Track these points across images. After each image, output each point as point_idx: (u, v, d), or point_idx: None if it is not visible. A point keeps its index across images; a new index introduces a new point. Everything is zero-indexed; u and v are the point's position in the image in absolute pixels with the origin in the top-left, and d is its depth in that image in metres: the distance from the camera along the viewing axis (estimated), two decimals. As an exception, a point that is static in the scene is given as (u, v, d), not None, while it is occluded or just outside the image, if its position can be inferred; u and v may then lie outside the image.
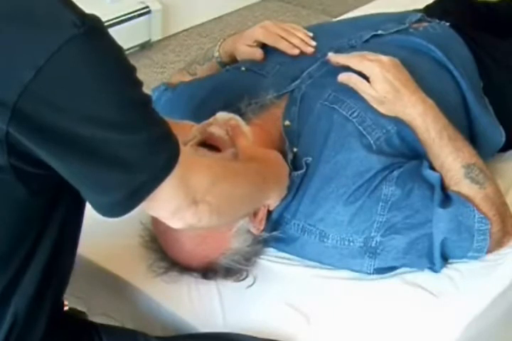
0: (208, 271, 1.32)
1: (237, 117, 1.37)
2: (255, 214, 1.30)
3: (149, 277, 1.34)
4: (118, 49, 0.91)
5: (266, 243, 1.37)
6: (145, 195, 0.93)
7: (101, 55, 0.88)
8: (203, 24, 3.47)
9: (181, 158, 0.94)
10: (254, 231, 1.31)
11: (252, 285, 1.33)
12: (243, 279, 1.33)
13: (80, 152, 0.89)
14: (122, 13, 3.01)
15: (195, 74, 1.67)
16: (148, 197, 0.93)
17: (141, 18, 3.10)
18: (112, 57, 0.90)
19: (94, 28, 0.87)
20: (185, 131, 1.33)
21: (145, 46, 3.20)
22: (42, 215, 1.00)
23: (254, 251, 1.34)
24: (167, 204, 0.98)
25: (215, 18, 3.52)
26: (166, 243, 1.32)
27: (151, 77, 2.92)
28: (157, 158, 0.92)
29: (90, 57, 0.86)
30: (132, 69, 0.93)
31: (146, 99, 0.94)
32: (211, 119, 1.36)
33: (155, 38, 3.23)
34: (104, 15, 2.90)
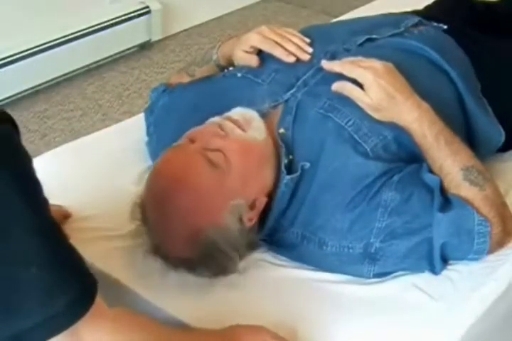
0: (195, 248, 1.27)
1: (253, 113, 1.37)
2: (253, 205, 1.30)
3: (148, 279, 1.34)
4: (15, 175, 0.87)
5: (252, 246, 1.36)
6: None
7: None
8: (203, 24, 3.47)
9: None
10: (245, 218, 1.30)
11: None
12: (230, 272, 1.31)
13: None
14: (122, 13, 3.01)
15: (193, 75, 1.67)
16: None
17: (141, 18, 3.10)
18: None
19: None
20: None
21: (145, 46, 3.20)
22: None
23: (241, 241, 1.30)
24: None
25: (215, 18, 3.52)
26: (162, 203, 1.27)
27: (151, 77, 2.92)
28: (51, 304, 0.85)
29: None
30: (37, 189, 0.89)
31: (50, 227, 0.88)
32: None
33: (155, 38, 3.23)
34: (104, 15, 2.93)
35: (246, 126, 1.35)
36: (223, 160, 1.28)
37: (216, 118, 1.36)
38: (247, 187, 1.31)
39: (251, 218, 1.31)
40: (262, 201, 1.33)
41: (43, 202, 0.91)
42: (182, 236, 1.28)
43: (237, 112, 1.38)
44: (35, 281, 0.85)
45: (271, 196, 1.35)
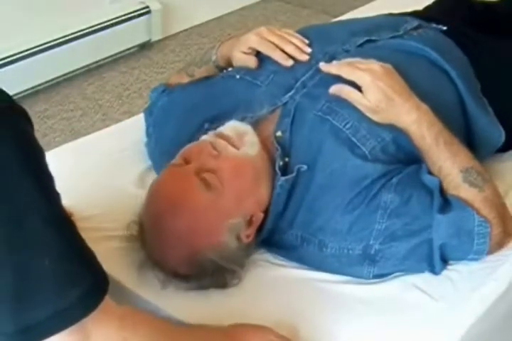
0: (194, 267, 1.28)
1: (246, 127, 1.37)
2: (250, 222, 1.30)
3: (148, 279, 1.33)
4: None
5: (249, 255, 1.36)
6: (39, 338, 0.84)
7: None
8: (203, 24, 3.47)
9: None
10: (243, 236, 1.30)
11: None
12: (231, 285, 1.31)
13: None
14: (122, 13, 3.01)
15: (193, 75, 1.66)
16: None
17: (141, 18, 3.10)
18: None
19: None
20: None
21: (145, 46, 3.20)
22: None
23: (240, 256, 1.31)
24: None
25: (215, 18, 3.52)
26: (160, 225, 1.27)
27: (151, 77, 2.92)
28: (66, 295, 0.84)
29: None
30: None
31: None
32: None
33: (155, 38, 3.23)
34: (104, 16, 2.93)
35: (238, 142, 1.33)
36: (218, 181, 1.28)
37: (209, 136, 1.35)
38: (243, 205, 1.30)
39: (249, 235, 1.31)
40: (259, 216, 1.32)
41: (56, 194, 0.91)
42: (180, 257, 1.28)
43: (230, 126, 1.37)
44: (48, 271, 0.84)
45: (267, 211, 1.34)
